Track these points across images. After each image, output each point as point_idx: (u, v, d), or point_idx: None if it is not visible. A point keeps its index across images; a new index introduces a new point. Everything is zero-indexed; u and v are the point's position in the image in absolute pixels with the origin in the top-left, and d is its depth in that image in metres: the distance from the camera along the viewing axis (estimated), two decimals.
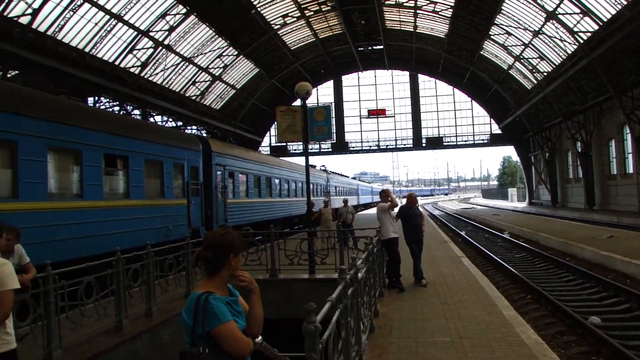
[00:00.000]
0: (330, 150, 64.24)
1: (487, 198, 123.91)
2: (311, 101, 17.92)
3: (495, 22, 40.50)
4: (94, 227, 12.61)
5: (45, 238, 10.45)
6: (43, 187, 11.16)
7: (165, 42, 37.11)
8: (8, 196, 10.31)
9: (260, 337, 3.45)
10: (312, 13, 45.67)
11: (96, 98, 34.11)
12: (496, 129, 62.36)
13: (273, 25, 45.07)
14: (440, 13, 43.37)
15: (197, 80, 45.95)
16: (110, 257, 9.30)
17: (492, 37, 43.74)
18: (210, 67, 45.62)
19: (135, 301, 9.95)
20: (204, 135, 44.28)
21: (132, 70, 36.37)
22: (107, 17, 31.27)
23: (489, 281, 13.10)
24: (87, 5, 29.18)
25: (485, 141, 63.79)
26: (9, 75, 26.36)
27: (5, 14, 25.07)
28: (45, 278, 7.40)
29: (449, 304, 10.40)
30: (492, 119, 62.41)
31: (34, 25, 26.90)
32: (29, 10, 26.02)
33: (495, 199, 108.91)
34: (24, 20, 26.10)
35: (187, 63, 42.08)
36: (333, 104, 61.79)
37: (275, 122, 17.50)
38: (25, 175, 10.53)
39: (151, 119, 40.46)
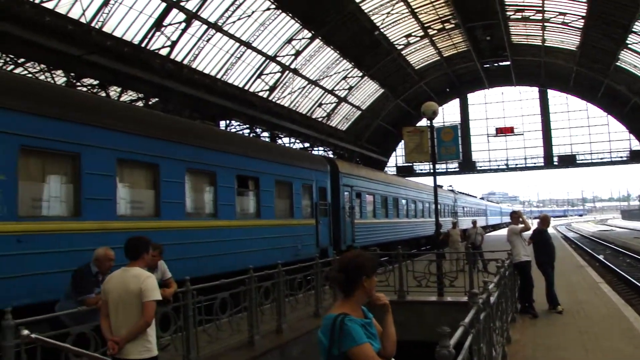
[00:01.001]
0: (457, 169, 62.95)
1: (628, 219, 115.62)
2: (437, 120, 17.73)
3: (633, 29, 37.92)
4: (227, 246, 13.14)
5: (183, 255, 11.03)
6: (181, 207, 11.83)
7: (292, 66, 38.33)
8: (151, 215, 11.03)
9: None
10: (435, 32, 45.30)
11: (227, 122, 35.86)
12: (637, 145, 58.08)
13: (397, 46, 45.20)
14: (570, 24, 41.35)
15: (323, 102, 46.96)
16: (242, 275, 9.64)
17: (629, 45, 41.01)
18: (335, 89, 46.47)
19: (266, 318, 10.25)
20: (331, 156, 45.02)
21: (260, 94, 37.92)
22: (237, 44, 32.92)
23: (633, 311, 12.12)
24: (218, 35, 30.90)
25: (624, 158, 59.48)
26: (150, 103, 28.49)
27: (148, 47, 27.19)
28: (184, 293, 7.82)
29: (588, 333, 9.71)
30: (631, 134, 58.21)
31: (172, 56, 28.88)
32: (168, 43, 28.02)
33: (637, 220, 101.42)
34: (164, 52, 28.14)
35: (313, 85, 43.14)
36: (459, 122, 60.58)
37: (403, 142, 17.44)
38: (165, 196, 11.23)
39: (279, 141, 41.77)
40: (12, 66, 23.30)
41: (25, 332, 5.22)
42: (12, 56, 22.53)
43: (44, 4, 22.04)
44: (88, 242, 9.04)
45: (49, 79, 24.24)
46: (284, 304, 10.50)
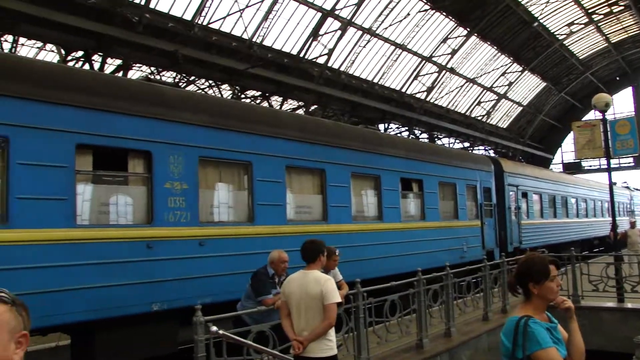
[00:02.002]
0: (632, 165, 58.01)
1: None
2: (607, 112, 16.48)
3: None
4: (392, 248, 13.18)
5: (349, 258, 11.23)
6: (347, 211, 12.05)
7: (448, 66, 37.66)
8: (319, 219, 11.36)
9: None
10: (601, 16, 42.12)
11: (386, 125, 36.09)
12: None
13: (558, 36, 42.70)
14: None
15: (482, 100, 45.64)
16: (406, 277, 9.65)
17: None
18: (494, 85, 44.94)
19: (434, 321, 10.15)
20: (492, 155, 43.61)
21: (418, 95, 37.68)
22: (393, 47, 32.98)
23: None
24: (374, 40, 31.18)
25: None
26: (310, 110, 29.48)
27: (306, 56, 28.17)
28: (355, 295, 7.96)
29: None
30: None
31: (330, 63, 29.62)
32: (325, 51, 28.79)
33: None
34: (321, 60, 28.97)
35: (471, 84, 42.09)
36: (633, 112, 55.77)
37: (570, 138, 16.47)
38: (332, 200, 11.50)
39: (438, 142, 41.25)
40: (184, 84, 25.26)
41: (214, 328, 5.63)
42: (184, 75, 24.41)
43: (211, 25, 23.62)
44: (260, 245, 9.54)
45: (216, 94, 25.97)
46: (452, 307, 10.33)
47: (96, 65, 21.26)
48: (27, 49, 21.89)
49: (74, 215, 7.56)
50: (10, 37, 19.79)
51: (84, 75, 9.42)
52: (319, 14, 27.23)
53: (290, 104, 31.09)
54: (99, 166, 8.16)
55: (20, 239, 6.95)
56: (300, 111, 29.65)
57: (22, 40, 20.40)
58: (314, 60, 28.76)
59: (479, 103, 45.76)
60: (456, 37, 35.94)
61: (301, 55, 27.98)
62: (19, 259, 6.92)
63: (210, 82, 26.10)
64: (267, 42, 26.39)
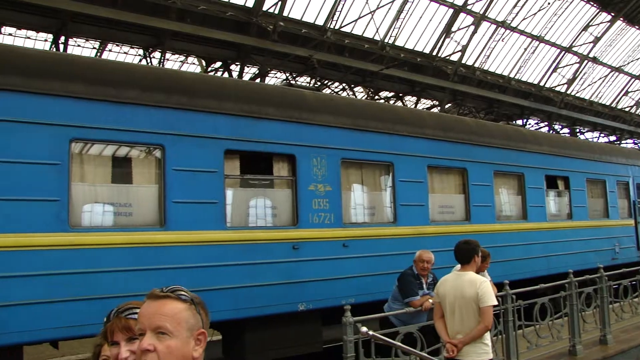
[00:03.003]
0: None
1: None
2: None
3: None
4: (537, 249, 12.63)
5: (495, 258, 10.86)
6: (491, 211, 11.69)
7: (590, 55, 35.47)
8: (461, 219, 11.11)
9: None
10: None
11: (524, 120, 34.67)
12: None
13: None
14: None
15: (630, 89, 42.51)
16: (554, 280, 9.26)
17: None
18: None
19: (588, 326, 9.59)
20: None
21: (557, 88, 35.83)
22: (529, 40, 31.63)
23: None
24: (508, 33, 30.07)
25: None
26: (445, 108, 29.00)
27: (439, 54, 27.74)
28: (504, 297, 7.71)
29: None
30: None
31: (463, 60, 28.97)
32: (458, 47, 28.20)
33: None
34: (454, 57, 28.40)
35: (617, 73, 39.33)
36: None
37: None
38: (474, 200, 11.19)
39: (580, 137, 38.97)
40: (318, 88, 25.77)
41: (364, 329, 5.68)
42: (317, 79, 24.95)
43: (343, 28, 23.92)
44: (402, 246, 9.49)
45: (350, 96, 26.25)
46: (608, 312, 9.70)
47: (234, 74, 22.31)
48: (171, 63, 23.40)
49: (224, 218, 7.93)
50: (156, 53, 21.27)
51: (231, 83, 9.88)
52: (451, 10, 26.73)
53: (424, 103, 30.76)
54: (246, 170, 8.49)
55: (176, 240, 7.40)
56: (435, 110, 29.23)
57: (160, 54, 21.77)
58: (448, 57, 28.24)
59: (627, 93, 42.63)
60: (599, 24, 33.76)
61: (434, 53, 27.61)
62: (176, 259, 7.38)
63: (344, 85, 26.44)
64: (399, 42, 26.31)
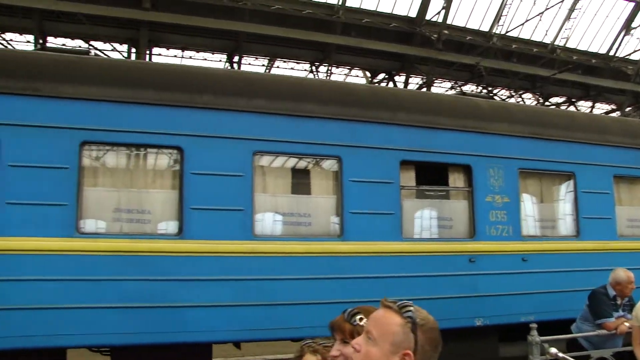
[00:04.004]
0: None
1: None
2: None
3: None
4: None
5: None
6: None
7: None
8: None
9: None
10: None
11: None
12: None
13: None
14: None
15: None
16: None
17: None
18: None
19: None
20: None
21: None
22: None
23: None
24: None
25: None
26: (625, 112, 26.85)
27: (617, 54, 25.75)
28: None
29: None
30: None
31: None
32: None
33: None
34: (635, 56, 26.19)
35: None
36: None
37: None
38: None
39: None
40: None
41: (553, 350, 5.35)
42: (483, 86, 24.24)
43: (510, 33, 23.06)
44: (585, 262, 8.87)
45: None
46: None
47: (399, 85, 22.39)
48: (335, 76, 23.99)
49: (400, 229, 7.88)
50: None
51: (403, 94, 9.85)
52: (631, 5, 24.67)
53: (599, 108, 28.67)
54: (421, 181, 8.42)
55: (354, 251, 7.48)
56: (615, 115, 27.16)
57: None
58: (627, 57, 26.09)
59: None
60: None
61: (611, 53, 25.67)
62: (353, 269, 7.46)
63: (511, 91, 25.45)
64: (571, 44, 24.81)
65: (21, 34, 19.35)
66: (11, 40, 19.42)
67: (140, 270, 6.67)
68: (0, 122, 6.51)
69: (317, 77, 20.66)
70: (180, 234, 6.80)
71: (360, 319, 2.36)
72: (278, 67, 22.26)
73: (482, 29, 22.79)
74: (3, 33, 18.97)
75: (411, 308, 1.98)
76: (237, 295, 6.91)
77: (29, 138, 6.56)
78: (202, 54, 20.65)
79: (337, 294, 7.28)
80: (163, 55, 20.33)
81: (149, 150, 7.11)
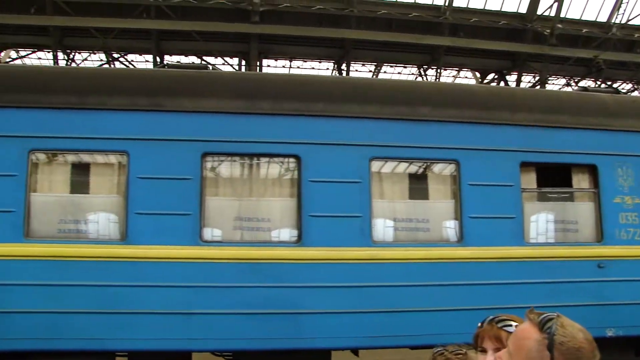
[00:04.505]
0: None
1: None
2: None
3: None
4: None
5: None
6: None
7: None
8: None
9: None
10: None
11: None
12: None
13: None
14: None
15: None
16: None
17: None
18: None
19: None
20: None
21: None
22: None
23: None
24: None
25: None
26: None
27: None
28: None
29: None
30: None
31: None
32: None
33: None
34: None
35: None
36: None
37: None
38: None
39: None
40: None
41: None
42: (600, 80, 22.98)
43: (631, 22, 21.71)
44: None
45: None
46: None
47: (511, 84, 21.70)
48: (443, 78, 23.60)
49: (522, 234, 7.56)
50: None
51: (521, 93, 9.48)
52: None
53: None
54: (543, 183, 8.08)
55: (474, 256, 7.26)
56: None
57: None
58: None
59: None
60: None
61: None
62: (473, 275, 7.23)
63: (633, 84, 23.88)
64: None
65: (140, 55, 20.74)
66: (132, 60, 20.84)
67: (260, 278, 6.82)
68: (129, 136, 6.87)
69: (427, 81, 20.42)
70: (300, 241, 6.88)
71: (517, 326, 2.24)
72: (385, 72, 22.21)
73: (599, 19, 21.58)
74: (125, 55, 20.39)
75: (553, 323, 1.82)
76: (356, 302, 6.90)
77: (155, 151, 6.88)
78: (309, 63, 21.04)
79: (457, 301, 7.10)
80: (272, 67, 20.97)
81: (267, 159, 7.24)
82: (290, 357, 7.21)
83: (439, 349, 2.85)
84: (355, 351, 7.88)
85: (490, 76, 22.17)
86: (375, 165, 7.27)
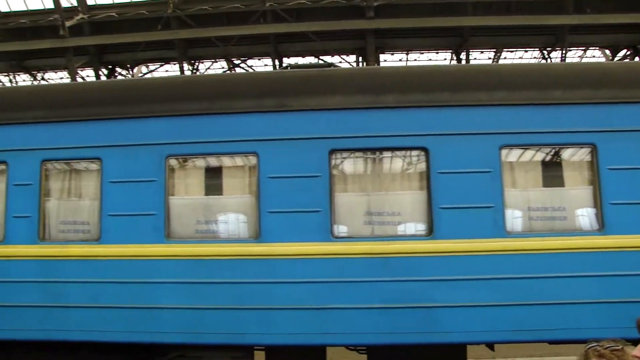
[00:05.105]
0: None
1: None
2: None
3: None
4: None
5: None
6: None
7: None
8: None
9: None
10: None
11: None
12: None
13: None
14: None
15: None
16: None
17: None
18: None
19: None
20: None
21: None
22: None
23: None
24: None
25: None
26: None
27: None
28: None
29: None
30: None
31: None
32: None
33: None
34: None
35: None
36: None
37: None
38: None
39: None
40: None
41: None
42: None
43: None
44: None
45: None
46: None
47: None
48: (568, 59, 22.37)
49: None
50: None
51: None
52: None
53: None
54: None
55: (616, 246, 6.78)
56: None
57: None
58: None
59: None
60: None
61: None
62: (614, 266, 6.77)
63: None
64: None
65: (260, 59, 21.51)
66: (252, 65, 21.66)
67: (392, 272, 6.79)
68: (258, 138, 7.09)
69: (557, 62, 19.36)
70: (431, 234, 6.78)
71: None
72: (505, 57, 21.39)
73: None
74: (245, 60, 21.24)
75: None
76: (491, 295, 6.70)
77: (283, 151, 7.05)
78: (426, 55, 20.75)
79: (600, 293, 6.71)
80: (389, 61, 20.86)
81: (394, 153, 7.19)
82: (424, 351, 7.13)
83: (592, 345, 2.72)
84: (490, 346, 7.66)
85: (622, 52, 20.60)
86: (506, 154, 7.01)
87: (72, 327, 7.16)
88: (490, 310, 6.70)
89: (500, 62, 20.95)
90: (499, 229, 6.75)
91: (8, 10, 23.22)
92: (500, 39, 19.59)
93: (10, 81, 25.93)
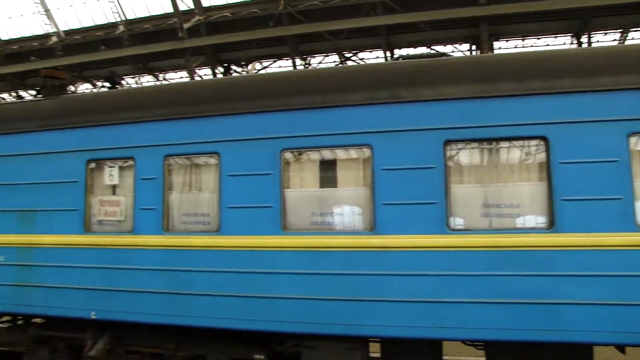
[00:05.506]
0: None
1: None
2: None
3: None
4: None
5: None
6: None
7: None
8: None
9: None
10: None
11: None
12: None
13: None
14: None
15: None
16: None
17: None
18: None
19: None
20: None
21: None
22: None
23: None
24: None
25: None
26: None
27: None
28: None
29: None
30: None
31: None
32: None
33: None
34: None
35: None
36: None
37: None
38: None
39: None
40: None
41: None
42: None
43: None
44: None
45: None
46: None
47: None
48: None
49: None
50: None
51: None
52: None
53: None
54: None
55: None
56: None
57: None
58: None
59: None
60: None
61: None
62: None
63: None
64: None
65: (370, 51, 21.62)
66: (362, 58, 21.83)
67: (512, 266, 6.56)
68: (371, 130, 7.07)
69: None
70: (552, 226, 6.47)
71: None
72: (632, 38, 19.94)
73: None
74: (357, 53, 21.42)
75: None
76: (621, 292, 6.28)
77: (396, 142, 6.99)
78: (543, 40, 19.84)
79: None
80: (503, 48, 20.13)
81: (511, 142, 6.93)
82: (547, 350, 6.85)
83: None
84: (621, 348, 7.20)
85: None
86: (635, 142, 6.52)
87: (195, 313, 7.53)
88: (620, 310, 6.29)
89: (627, 42, 19.55)
90: (629, 222, 6.30)
91: (134, 17, 24.85)
92: (626, 18, 18.22)
93: (136, 83, 27.67)
